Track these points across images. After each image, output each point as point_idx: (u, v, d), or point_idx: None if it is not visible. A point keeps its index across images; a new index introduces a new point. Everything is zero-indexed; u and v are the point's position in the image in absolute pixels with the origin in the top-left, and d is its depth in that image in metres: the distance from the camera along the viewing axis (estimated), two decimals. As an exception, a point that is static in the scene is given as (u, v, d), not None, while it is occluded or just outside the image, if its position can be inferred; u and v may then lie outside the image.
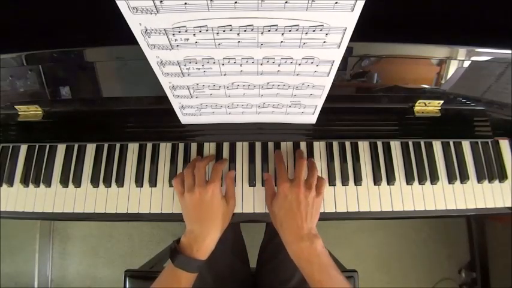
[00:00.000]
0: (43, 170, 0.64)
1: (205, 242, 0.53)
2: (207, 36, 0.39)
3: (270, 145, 0.64)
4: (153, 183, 0.62)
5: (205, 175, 0.57)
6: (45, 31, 0.53)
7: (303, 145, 0.64)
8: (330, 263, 0.50)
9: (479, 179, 0.62)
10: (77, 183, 0.62)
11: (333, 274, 0.49)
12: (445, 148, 0.64)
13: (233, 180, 0.60)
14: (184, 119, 0.59)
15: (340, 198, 0.61)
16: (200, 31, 0.38)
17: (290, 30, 0.38)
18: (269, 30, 0.38)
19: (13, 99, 0.61)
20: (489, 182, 0.62)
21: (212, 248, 0.54)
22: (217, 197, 0.55)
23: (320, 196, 0.55)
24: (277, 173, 0.58)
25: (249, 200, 0.61)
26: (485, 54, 0.53)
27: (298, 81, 0.48)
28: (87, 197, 0.62)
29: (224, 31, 0.38)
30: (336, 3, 0.34)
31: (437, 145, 0.64)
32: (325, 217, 0.58)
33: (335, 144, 0.64)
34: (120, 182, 0.62)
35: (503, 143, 0.65)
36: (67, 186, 0.63)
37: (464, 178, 0.62)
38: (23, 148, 0.66)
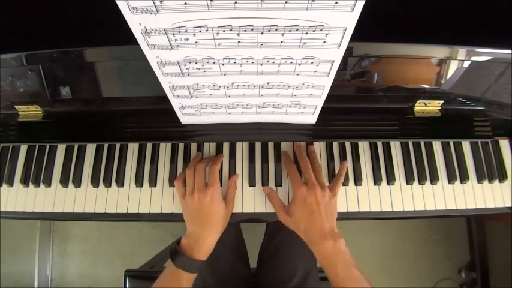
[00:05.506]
0: (43, 170, 0.64)
1: (205, 243, 0.54)
2: (207, 36, 0.39)
3: (270, 145, 0.64)
4: (153, 183, 0.62)
5: (205, 177, 0.57)
6: (45, 31, 0.53)
7: (302, 145, 0.64)
8: (353, 262, 0.51)
9: (479, 179, 0.62)
10: (77, 183, 0.63)
11: (356, 273, 0.50)
12: (445, 148, 0.64)
13: (236, 184, 0.60)
14: (184, 119, 0.59)
15: (341, 198, 0.60)
16: (200, 31, 0.38)
17: (290, 30, 0.38)
18: (269, 30, 0.38)
19: (13, 99, 0.60)
20: (489, 182, 0.62)
21: (212, 249, 0.56)
22: (217, 201, 0.55)
23: (335, 197, 0.56)
24: (291, 177, 0.59)
25: (249, 200, 0.61)
26: (485, 54, 0.53)
27: (298, 81, 0.48)
28: (87, 197, 0.62)
29: (224, 31, 0.38)
30: (336, 3, 0.34)
31: (437, 145, 0.64)
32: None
33: (335, 144, 0.64)
34: (120, 182, 0.62)
35: (503, 143, 0.65)
36: (67, 186, 0.63)
37: (464, 178, 0.62)
38: (23, 148, 0.66)
